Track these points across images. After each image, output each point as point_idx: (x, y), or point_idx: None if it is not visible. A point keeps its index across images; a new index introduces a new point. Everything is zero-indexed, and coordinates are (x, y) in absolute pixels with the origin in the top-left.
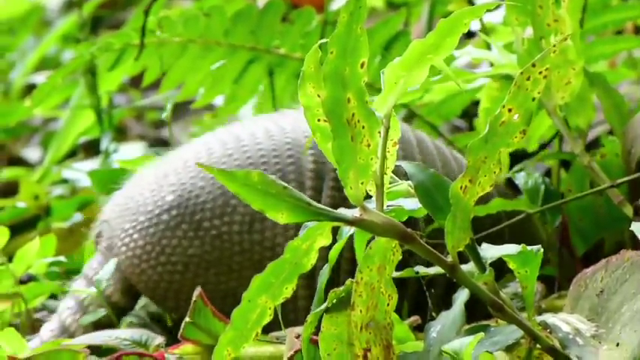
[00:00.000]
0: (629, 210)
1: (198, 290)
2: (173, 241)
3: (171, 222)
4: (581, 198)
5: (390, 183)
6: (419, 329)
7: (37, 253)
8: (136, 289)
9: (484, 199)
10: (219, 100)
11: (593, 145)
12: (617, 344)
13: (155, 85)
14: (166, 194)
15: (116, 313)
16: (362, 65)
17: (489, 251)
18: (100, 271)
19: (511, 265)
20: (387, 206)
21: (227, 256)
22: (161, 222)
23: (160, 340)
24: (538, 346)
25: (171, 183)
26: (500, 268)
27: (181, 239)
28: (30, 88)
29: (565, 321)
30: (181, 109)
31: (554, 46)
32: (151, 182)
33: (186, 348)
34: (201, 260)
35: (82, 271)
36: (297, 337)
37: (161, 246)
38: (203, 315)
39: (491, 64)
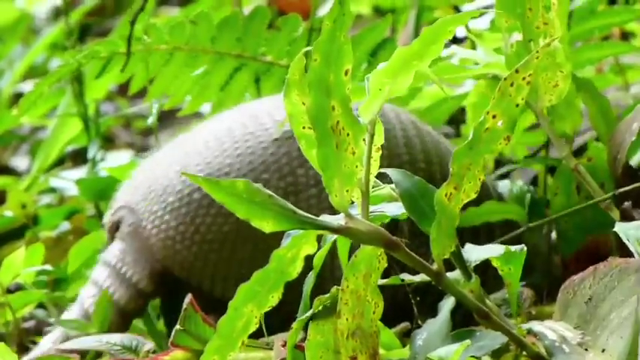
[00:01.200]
0: (615, 214)
1: (188, 298)
2: (207, 219)
3: (204, 200)
4: (568, 202)
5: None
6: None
7: (24, 262)
8: (165, 274)
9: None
10: (206, 108)
11: (579, 153)
12: (603, 350)
13: (142, 93)
14: (194, 173)
15: (143, 300)
16: (346, 72)
17: (474, 253)
18: (124, 257)
19: (494, 263)
20: (371, 212)
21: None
22: (193, 201)
23: (149, 345)
24: (524, 353)
25: (197, 163)
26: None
27: (215, 217)
28: (18, 97)
29: (551, 328)
30: (168, 117)
31: (537, 52)
32: (174, 163)
33: (176, 355)
34: (237, 237)
35: (101, 258)
36: (284, 345)
37: (195, 225)
38: (193, 321)
39: (477, 64)
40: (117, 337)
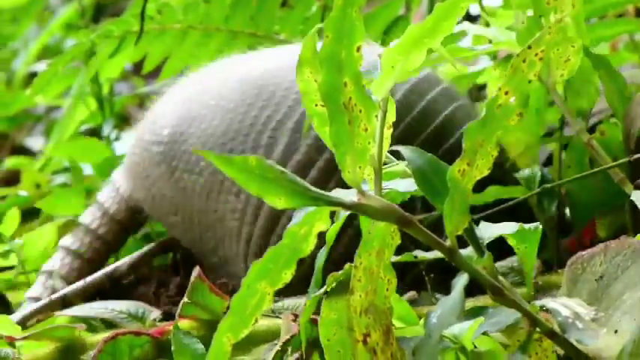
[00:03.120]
0: (629, 188)
1: (196, 271)
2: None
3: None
4: (580, 177)
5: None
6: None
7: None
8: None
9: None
10: None
11: (593, 131)
12: (616, 331)
13: (157, 73)
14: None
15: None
16: (358, 49)
17: (488, 230)
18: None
19: (510, 242)
20: (384, 188)
21: None
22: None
23: (156, 314)
24: (538, 329)
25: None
26: (499, 248)
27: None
28: (32, 77)
29: (564, 305)
30: None
31: (549, 27)
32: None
33: (183, 324)
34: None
35: None
36: (294, 320)
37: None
38: (201, 292)
39: (490, 42)
40: (123, 305)
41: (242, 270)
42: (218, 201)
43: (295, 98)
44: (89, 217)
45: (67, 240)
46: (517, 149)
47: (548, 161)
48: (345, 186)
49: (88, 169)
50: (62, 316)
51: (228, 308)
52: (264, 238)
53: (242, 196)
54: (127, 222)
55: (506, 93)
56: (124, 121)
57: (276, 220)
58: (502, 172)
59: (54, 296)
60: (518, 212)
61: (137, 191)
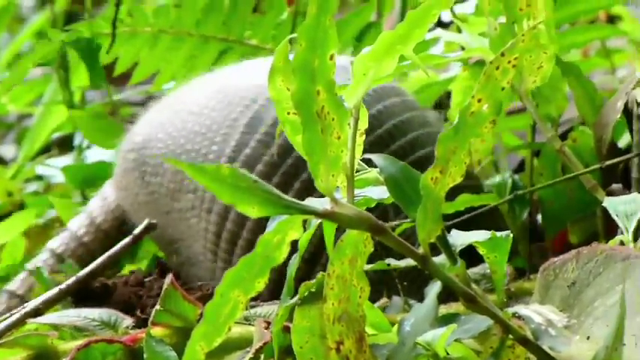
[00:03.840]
0: (601, 195)
1: (169, 278)
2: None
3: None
4: (552, 184)
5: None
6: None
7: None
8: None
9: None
10: None
11: (564, 138)
12: (588, 337)
13: (128, 80)
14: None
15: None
16: (331, 57)
17: (459, 238)
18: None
19: (481, 251)
20: (356, 195)
21: None
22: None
23: (128, 321)
24: (510, 336)
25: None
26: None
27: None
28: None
29: (537, 312)
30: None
31: (522, 35)
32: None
33: (156, 331)
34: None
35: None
36: (266, 327)
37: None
38: (174, 300)
39: (463, 49)
40: (95, 313)
41: (205, 269)
42: (180, 200)
43: (262, 104)
44: (77, 223)
45: (54, 242)
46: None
47: (519, 168)
48: (310, 189)
49: (59, 177)
50: (34, 324)
51: (201, 316)
52: (216, 234)
53: (199, 193)
54: (113, 232)
55: (479, 100)
56: None
57: (226, 216)
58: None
59: (26, 310)
60: (490, 219)
61: (122, 200)
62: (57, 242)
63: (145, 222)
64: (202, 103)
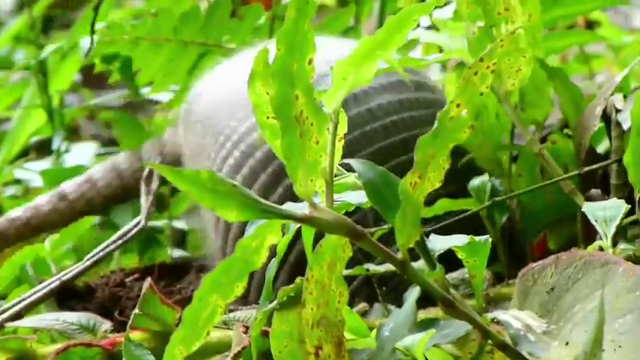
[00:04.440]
0: (580, 200)
1: (147, 282)
2: None
3: None
4: (532, 184)
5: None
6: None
7: None
8: None
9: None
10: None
11: (544, 141)
12: (567, 343)
13: (107, 86)
14: None
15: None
16: (310, 62)
17: (438, 243)
18: None
19: (460, 255)
20: (335, 200)
21: None
22: None
23: (107, 325)
24: (489, 341)
25: None
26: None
27: None
28: None
29: (515, 317)
30: (133, 109)
31: (501, 40)
32: None
33: (134, 335)
34: None
35: None
36: (245, 331)
37: None
38: (152, 304)
39: (441, 51)
40: (74, 317)
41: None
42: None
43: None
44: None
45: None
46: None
47: None
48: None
49: (38, 181)
50: (13, 327)
51: (180, 320)
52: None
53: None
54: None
55: (458, 105)
56: (73, 134)
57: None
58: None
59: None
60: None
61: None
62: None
63: (134, 220)
64: None
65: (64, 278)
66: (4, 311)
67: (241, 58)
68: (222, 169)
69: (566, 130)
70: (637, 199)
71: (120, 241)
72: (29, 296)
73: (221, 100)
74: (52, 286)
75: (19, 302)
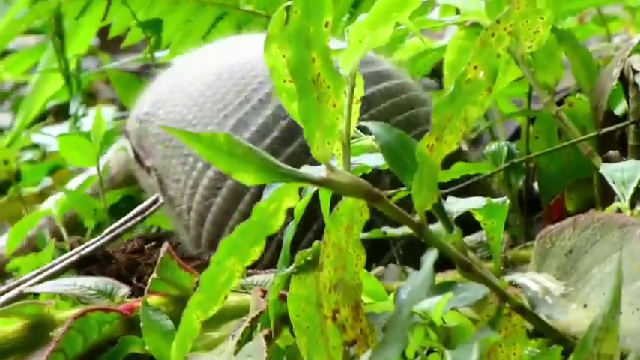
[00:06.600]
0: (597, 162)
1: (165, 247)
2: None
3: None
4: (550, 146)
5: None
6: None
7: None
8: None
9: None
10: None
11: (561, 104)
12: (585, 305)
13: (125, 50)
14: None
15: None
16: (326, 24)
17: (456, 205)
18: None
19: (477, 217)
20: (352, 163)
21: None
22: None
23: (125, 290)
24: (507, 304)
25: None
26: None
27: None
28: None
29: (533, 280)
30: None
31: (518, 1)
32: None
33: (152, 300)
34: None
35: None
36: (263, 295)
37: None
38: (170, 268)
39: (458, 12)
40: (92, 281)
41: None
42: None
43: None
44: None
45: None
46: None
47: (516, 135)
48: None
49: (55, 146)
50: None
51: (197, 284)
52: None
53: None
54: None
55: (475, 67)
56: (91, 97)
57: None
58: None
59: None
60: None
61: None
62: None
63: (152, 197)
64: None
65: (82, 252)
66: (23, 282)
67: (186, 68)
68: (195, 193)
69: (579, 95)
70: None
71: (139, 217)
72: (48, 268)
73: (181, 118)
74: (71, 259)
75: (39, 274)
